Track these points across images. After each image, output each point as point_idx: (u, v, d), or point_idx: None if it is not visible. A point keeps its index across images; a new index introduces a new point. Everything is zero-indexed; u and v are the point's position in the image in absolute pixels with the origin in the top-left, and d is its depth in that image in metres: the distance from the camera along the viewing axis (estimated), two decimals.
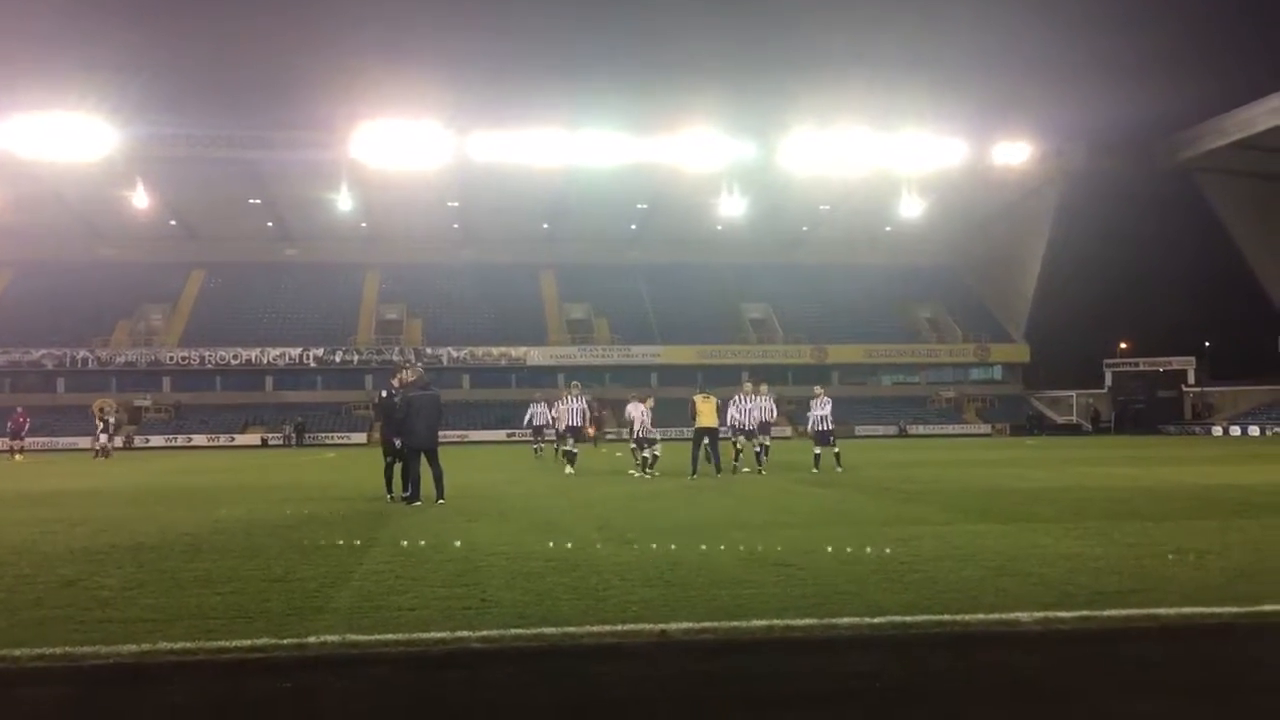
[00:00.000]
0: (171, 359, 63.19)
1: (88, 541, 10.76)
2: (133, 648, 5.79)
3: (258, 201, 65.29)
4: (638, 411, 21.80)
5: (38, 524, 12.64)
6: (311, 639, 5.95)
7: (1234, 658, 5.61)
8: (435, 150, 56.88)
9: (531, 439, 32.16)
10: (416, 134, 56.27)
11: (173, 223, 67.25)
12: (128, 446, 54.02)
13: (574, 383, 23.69)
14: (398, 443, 14.95)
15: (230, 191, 62.76)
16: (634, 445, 22.16)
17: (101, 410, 39.39)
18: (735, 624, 6.31)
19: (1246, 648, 5.86)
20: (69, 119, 52.49)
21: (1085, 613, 6.54)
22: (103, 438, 38.47)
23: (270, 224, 68.98)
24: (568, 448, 23.53)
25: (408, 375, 15.54)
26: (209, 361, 63.30)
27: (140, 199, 58.29)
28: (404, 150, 56.75)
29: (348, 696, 4.89)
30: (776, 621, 6.34)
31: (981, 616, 6.46)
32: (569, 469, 22.55)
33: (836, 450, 22.42)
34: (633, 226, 72.34)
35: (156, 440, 57.09)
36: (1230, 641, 6.03)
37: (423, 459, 14.80)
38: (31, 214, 61.37)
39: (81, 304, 63.33)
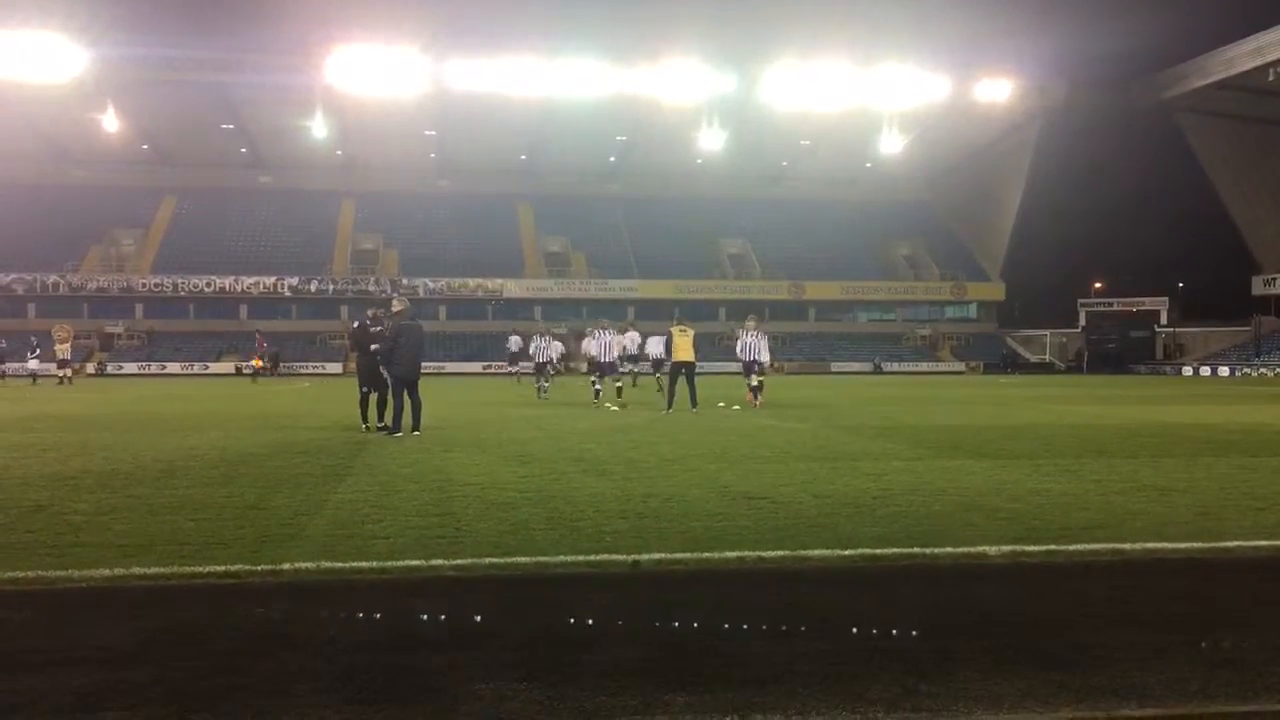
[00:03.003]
0: (144, 285, 62.61)
1: (59, 467, 10.71)
2: (105, 572, 5.79)
3: (230, 127, 64.30)
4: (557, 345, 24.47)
5: (8, 449, 12.57)
6: (285, 566, 5.97)
7: (1198, 593, 5.71)
8: (412, 77, 56.00)
9: (534, 375, 28.67)
10: (393, 60, 55.31)
11: (144, 147, 66.21)
12: (100, 373, 53.74)
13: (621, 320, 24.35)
14: (384, 373, 15.00)
15: (202, 116, 61.81)
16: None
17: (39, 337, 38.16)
18: (707, 555, 6.36)
19: (1211, 584, 5.96)
20: (37, 38, 51.24)
21: (1052, 547, 6.63)
22: (33, 363, 37.71)
23: (244, 150, 68.00)
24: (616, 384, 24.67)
25: (396, 305, 15.47)
26: (182, 289, 62.78)
27: (111, 122, 57.29)
28: (380, 76, 55.83)
29: (321, 623, 4.91)
30: (748, 553, 6.40)
31: (950, 550, 6.54)
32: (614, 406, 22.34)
33: (760, 381, 22.77)
34: (612, 159, 71.70)
35: (129, 367, 56.81)
36: (1195, 578, 6.13)
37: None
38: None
39: (52, 228, 62.51)
